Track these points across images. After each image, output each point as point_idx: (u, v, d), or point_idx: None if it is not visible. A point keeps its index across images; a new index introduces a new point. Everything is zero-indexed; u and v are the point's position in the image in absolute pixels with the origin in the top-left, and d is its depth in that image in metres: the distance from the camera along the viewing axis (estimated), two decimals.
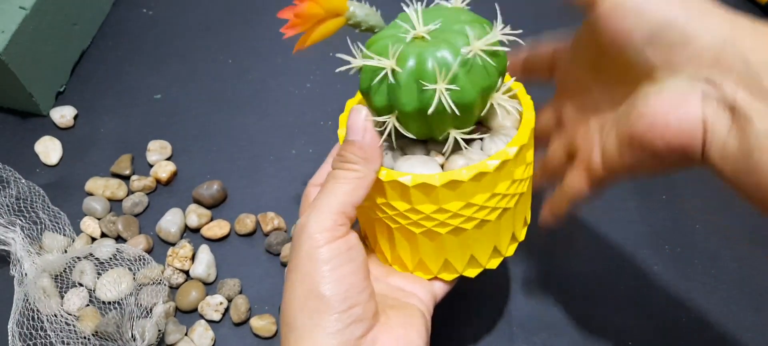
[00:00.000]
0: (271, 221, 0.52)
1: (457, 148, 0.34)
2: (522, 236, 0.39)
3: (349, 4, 0.34)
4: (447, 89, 0.30)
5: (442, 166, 0.34)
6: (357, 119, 0.33)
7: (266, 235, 0.52)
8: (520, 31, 0.32)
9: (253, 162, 0.57)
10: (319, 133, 0.59)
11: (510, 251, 0.38)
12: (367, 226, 0.38)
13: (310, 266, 0.31)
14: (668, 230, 0.52)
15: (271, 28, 0.68)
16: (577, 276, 0.50)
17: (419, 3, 0.34)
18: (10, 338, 0.44)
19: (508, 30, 0.31)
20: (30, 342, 0.44)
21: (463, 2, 0.34)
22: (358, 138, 0.32)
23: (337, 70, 0.35)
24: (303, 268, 0.31)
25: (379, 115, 0.33)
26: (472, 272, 0.38)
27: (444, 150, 0.34)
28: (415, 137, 0.34)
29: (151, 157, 0.57)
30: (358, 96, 0.38)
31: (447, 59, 0.30)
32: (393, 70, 0.31)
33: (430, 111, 0.31)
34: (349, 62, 0.33)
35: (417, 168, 0.33)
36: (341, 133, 0.35)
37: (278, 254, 0.51)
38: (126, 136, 0.59)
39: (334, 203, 0.32)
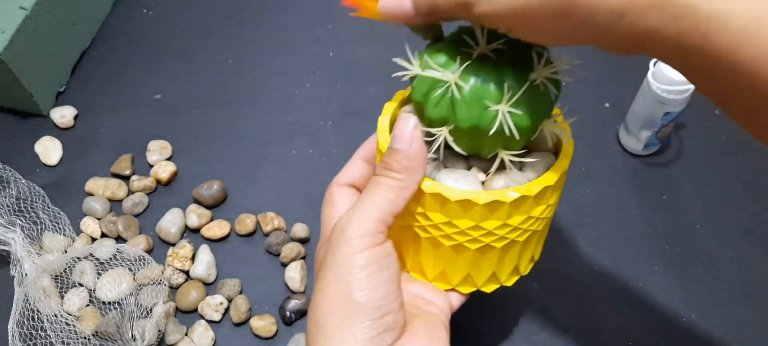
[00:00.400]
0: (271, 221, 0.52)
1: (499, 166, 0.34)
2: (538, 255, 0.39)
3: None
4: (509, 112, 0.30)
5: (483, 183, 0.34)
6: (405, 128, 0.32)
7: (266, 235, 0.52)
8: (579, 62, 0.32)
9: (253, 162, 0.57)
10: (319, 134, 0.59)
11: (528, 269, 0.39)
12: (390, 229, 0.38)
13: (347, 270, 0.30)
14: (668, 230, 0.52)
15: (271, 28, 0.68)
16: (577, 276, 0.50)
17: None
18: (10, 338, 0.44)
19: (567, 59, 0.32)
20: (30, 342, 0.44)
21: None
22: (405, 147, 0.32)
23: (394, 75, 0.34)
24: (339, 270, 0.31)
25: (431, 127, 0.32)
26: (490, 288, 0.38)
27: (489, 169, 0.34)
28: (462, 152, 0.33)
29: (151, 157, 0.57)
30: (397, 99, 0.37)
31: (511, 82, 0.30)
32: (456, 85, 0.31)
33: (491, 132, 0.31)
34: (406, 69, 0.33)
35: (460, 183, 0.33)
36: (382, 123, 0.35)
37: (278, 255, 0.51)
38: (126, 137, 0.59)
39: (375, 210, 0.31)
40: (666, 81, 0.49)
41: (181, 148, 0.58)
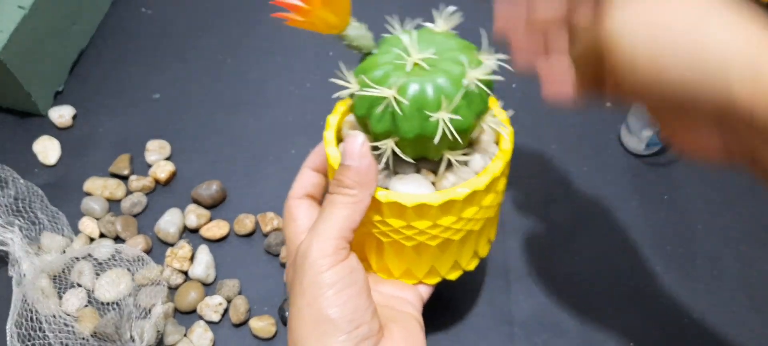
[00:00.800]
0: (271, 221, 0.52)
1: (447, 165, 0.36)
2: (493, 236, 0.42)
3: (350, 24, 0.35)
4: (449, 118, 0.32)
5: (433, 183, 0.36)
6: (354, 145, 0.33)
7: (266, 235, 0.52)
8: (507, 56, 0.33)
9: (253, 162, 0.57)
10: (318, 134, 0.58)
11: (486, 251, 0.41)
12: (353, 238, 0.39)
13: (316, 292, 0.32)
14: (669, 230, 0.52)
15: (270, 27, 0.67)
16: (578, 276, 0.50)
17: (408, 27, 0.36)
18: (8, 338, 0.44)
19: (498, 56, 0.33)
20: (28, 343, 0.44)
21: (450, 27, 0.35)
22: (355, 163, 0.33)
23: (335, 96, 0.36)
24: (309, 294, 0.32)
25: (377, 140, 0.34)
26: (454, 275, 0.40)
27: (439, 171, 0.35)
28: (409, 160, 0.35)
29: (149, 157, 0.56)
30: (338, 111, 0.39)
31: (447, 89, 0.32)
32: (395, 99, 0.32)
33: (436, 140, 0.32)
34: (344, 87, 0.34)
35: (412, 187, 0.35)
36: (328, 136, 0.37)
37: (278, 255, 0.51)
38: (125, 136, 0.58)
39: (334, 229, 0.33)
40: None
41: (179, 148, 0.58)
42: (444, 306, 0.48)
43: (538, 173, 0.56)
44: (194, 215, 0.52)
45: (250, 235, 0.52)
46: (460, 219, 0.35)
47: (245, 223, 0.52)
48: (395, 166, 0.36)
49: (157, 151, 0.57)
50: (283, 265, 0.50)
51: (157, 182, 0.55)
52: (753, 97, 0.25)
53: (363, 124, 0.35)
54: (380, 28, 0.37)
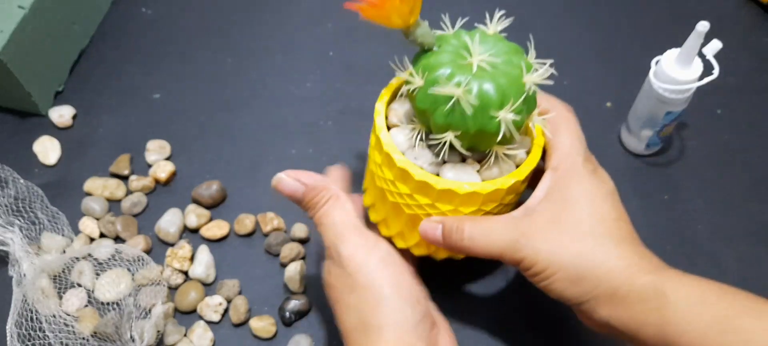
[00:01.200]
0: (271, 221, 0.52)
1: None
2: None
3: (417, 21, 0.38)
4: (511, 117, 0.35)
5: (477, 172, 0.39)
6: (287, 187, 0.42)
7: (266, 235, 0.52)
8: (553, 60, 0.36)
9: (253, 162, 0.57)
10: (319, 134, 0.59)
11: None
12: (389, 210, 0.42)
13: (365, 279, 0.37)
14: (670, 230, 0.52)
15: (270, 27, 0.67)
16: None
17: (459, 26, 0.40)
18: (8, 338, 0.44)
19: (546, 61, 0.37)
20: (28, 343, 0.44)
21: (499, 30, 0.38)
22: (300, 196, 0.42)
23: (402, 92, 0.40)
24: (359, 283, 0.37)
25: (436, 132, 0.37)
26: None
27: (485, 161, 0.39)
28: (463, 151, 0.38)
29: (150, 157, 0.56)
30: (386, 94, 0.42)
31: (509, 90, 0.35)
32: (461, 98, 0.35)
33: (499, 138, 0.36)
34: (412, 83, 0.37)
35: (462, 176, 0.38)
36: (379, 122, 0.40)
37: (278, 255, 0.51)
38: (125, 136, 0.58)
39: (345, 227, 0.39)
40: (668, 80, 0.49)
41: (180, 148, 0.58)
42: (444, 306, 0.48)
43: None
44: (194, 215, 0.52)
45: (250, 235, 0.52)
46: (500, 205, 0.40)
47: (245, 223, 0.52)
48: (447, 153, 0.39)
49: (157, 151, 0.57)
50: (283, 265, 0.50)
51: (157, 182, 0.55)
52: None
53: (422, 115, 0.38)
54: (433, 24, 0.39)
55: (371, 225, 0.44)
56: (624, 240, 0.36)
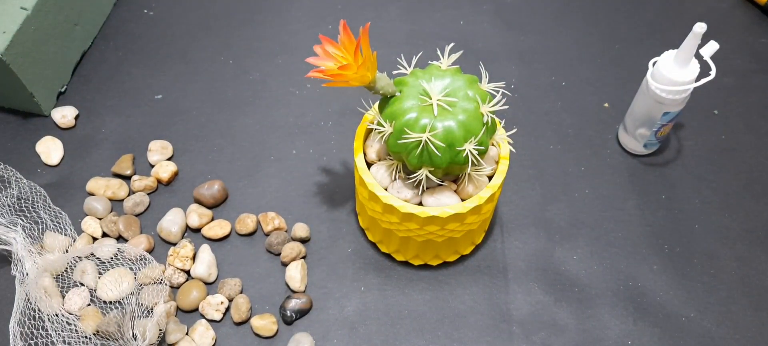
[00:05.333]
0: (272, 220, 0.52)
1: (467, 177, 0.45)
2: (478, 239, 0.51)
3: (377, 76, 0.42)
4: (475, 149, 0.40)
5: (455, 191, 0.44)
6: None
7: (267, 235, 0.52)
8: (503, 82, 0.40)
9: (254, 162, 0.57)
10: (319, 134, 0.59)
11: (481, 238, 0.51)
12: (383, 234, 0.48)
13: None
14: (667, 229, 0.53)
15: (271, 28, 0.68)
16: (577, 276, 0.50)
17: (415, 62, 0.45)
18: (11, 337, 0.44)
19: (497, 85, 0.45)
20: (31, 341, 0.45)
21: (451, 64, 0.43)
22: None
23: (368, 125, 0.45)
24: None
25: (412, 170, 0.42)
26: (453, 257, 0.50)
27: (459, 182, 0.44)
28: (437, 181, 0.43)
29: (152, 157, 0.57)
30: (360, 135, 0.46)
31: (470, 125, 0.40)
32: (430, 141, 0.39)
33: (468, 170, 0.41)
34: (382, 129, 0.42)
35: (442, 200, 0.43)
36: (359, 164, 0.44)
37: (279, 254, 0.51)
38: (127, 137, 0.59)
39: None
40: (665, 81, 0.50)
41: (181, 148, 0.58)
42: (444, 306, 0.49)
43: (538, 174, 0.56)
44: (196, 215, 0.52)
45: (251, 234, 0.53)
46: (481, 217, 0.44)
47: (247, 222, 0.52)
48: (425, 184, 0.44)
49: (159, 152, 0.57)
50: (284, 264, 0.51)
51: (159, 181, 0.56)
52: None
53: (397, 156, 0.42)
54: (388, 62, 0.43)
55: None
56: None
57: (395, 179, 0.44)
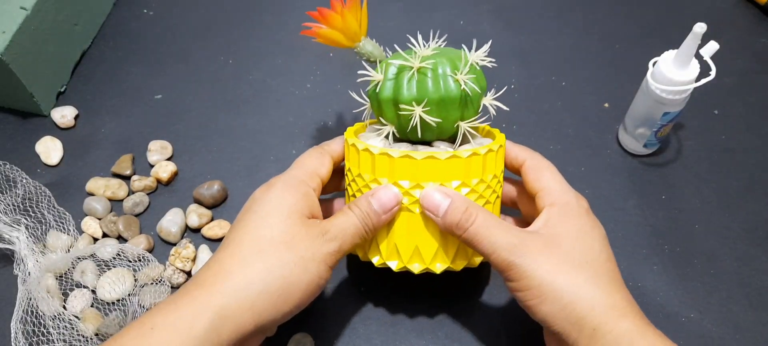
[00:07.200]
0: None
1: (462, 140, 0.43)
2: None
3: (363, 38, 0.42)
4: (467, 79, 0.40)
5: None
6: (389, 200, 0.41)
7: None
8: (492, 57, 0.42)
9: (254, 162, 0.57)
10: (319, 134, 0.59)
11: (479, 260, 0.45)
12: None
13: None
14: (667, 229, 0.53)
15: (271, 28, 0.68)
16: None
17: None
18: (12, 335, 0.44)
19: (483, 50, 0.42)
20: (33, 339, 0.45)
21: (429, 48, 0.42)
22: (383, 217, 0.41)
23: (355, 111, 0.43)
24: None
25: (405, 110, 0.40)
26: (460, 265, 0.44)
27: (455, 143, 0.42)
28: (433, 122, 0.40)
29: (151, 157, 0.57)
30: (349, 134, 0.44)
31: (457, 62, 0.40)
32: (420, 69, 0.39)
33: (462, 87, 0.40)
34: (368, 75, 0.42)
35: (439, 149, 0.41)
36: (348, 137, 0.43)
37: None
38: (127, 137, 0.59)
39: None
40: (665, 81, 0.50)
41: (181, 148, 0.58)
42: (444, 306, 0.49)
43: None
44: (196, 215, 0.52)
45: None
46: (483, 184, 0.41)
47: None
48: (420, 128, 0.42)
49: (158, 152, 0.57)
50: None
51: (158, 182, 0.56)
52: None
53: (388, 107, 0.41)
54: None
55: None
56: (612, 281, 0.38)
57: (390, 144, 0.42)
